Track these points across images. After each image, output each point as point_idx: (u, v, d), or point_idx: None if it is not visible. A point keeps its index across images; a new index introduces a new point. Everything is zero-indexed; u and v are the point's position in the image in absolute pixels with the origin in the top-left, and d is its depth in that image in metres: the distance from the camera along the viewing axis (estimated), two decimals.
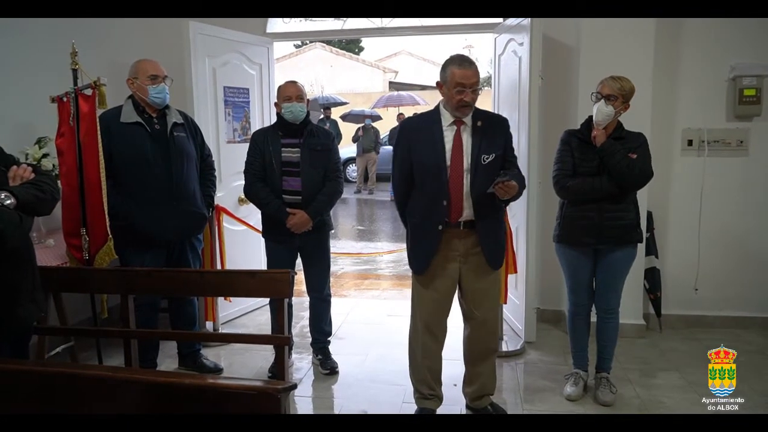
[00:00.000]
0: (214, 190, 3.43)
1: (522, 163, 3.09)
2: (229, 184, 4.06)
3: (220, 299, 3.94)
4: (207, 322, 3.86)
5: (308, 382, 3.34)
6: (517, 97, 3.76)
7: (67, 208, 2.93)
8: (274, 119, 3.39)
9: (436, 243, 2.62)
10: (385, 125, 13.49)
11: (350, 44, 24.27)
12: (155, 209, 3.02)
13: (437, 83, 2.63)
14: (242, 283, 2.54)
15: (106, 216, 2.87)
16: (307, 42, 20.05)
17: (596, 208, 2.85)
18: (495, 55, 4.27)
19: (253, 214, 3.76)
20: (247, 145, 3.32)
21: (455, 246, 2.64)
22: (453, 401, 2.95)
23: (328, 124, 11.42)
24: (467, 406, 2.92)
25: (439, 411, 2.85)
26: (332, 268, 3.80)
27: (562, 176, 2.90)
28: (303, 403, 3.13)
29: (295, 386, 1.43)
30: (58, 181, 2.98)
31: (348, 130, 12.74)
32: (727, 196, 3.92)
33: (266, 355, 3.48)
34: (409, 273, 2.84)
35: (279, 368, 2.47)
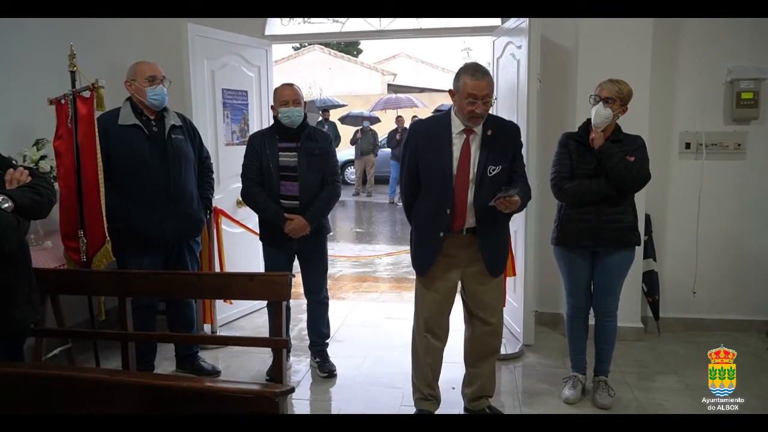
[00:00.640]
0: (212, 193, 3.42)
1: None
2: (228, 186, 4.06)
3: (221, 301, 3.93)
4: (205, 325, 3.85)
5: (306, 385, 3.34)
6: (515, 100, 3.76)
7: (65, 210, 2.92)
8: (272, 122, 3.38)
9: (437, 248, 2.63)
10: (384, 128, 13.48)
11: (349, 47, 24.29)
12: (153, 211, 3.01)
13: (449, 91, 2.60)
14: (240, 286, 2.54)
15: (104, 218, 2.87)
16: (306, 44, 20.07)
17: (594, 210, 2.85)
18: (493, 58, 4.27)
19: (252, 217, 3.75)
20: (245, 147, 3.31)
21: (457, 251, 2.65)
22: (451, 404, 2.95)
23: (326, 127, 11.42)
24: (465, 408, 2.92)
25: (437, 413, 2.85)
26: (330, 271, 3.80)
27: (559, 179, 2.90)
28: (301, 406, 3.12)
29: (292, 389, 1.42)
30: (56, 184, 2.97)
31: (347, 132, 12.73)
32: (725, 199, 3.92)
33: (264, 357, 3.47)
34: (408, 276, 2.84)
35: (277, 371, 2.46)
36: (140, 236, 3.02)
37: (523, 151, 3.53)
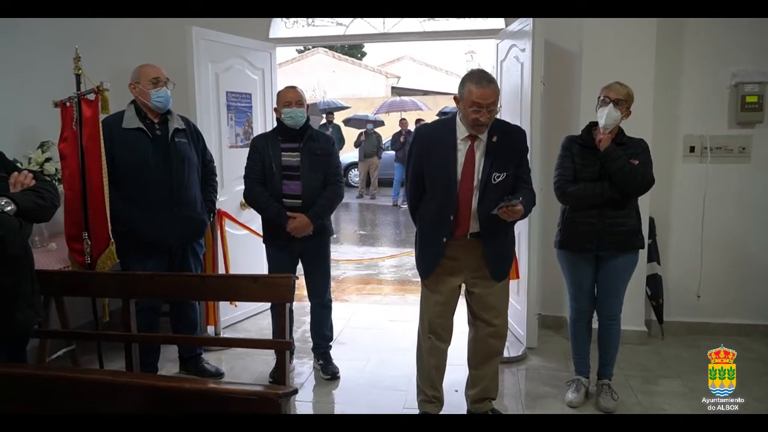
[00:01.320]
0: (216, 196, 3.43)
1: None
2: (232, 188, 4.07)
3: (224, 303, 3.94)
4: (208, 327, 3.86)
5: (309, 387, 3.34)
6: (519, 103, 3.76)
7: (70, 212, 2.94)
8: (275, 125, 3.40)
9: (440, 253, 2.63)
10: (388, 130, 13.49)
11: (353, 49, 24.33)
12: (156, 215, 3.02)
13: (454, 97, 2.59)
14: (244, 288, 2.54)
15: (108, 220, 2.88)
16: (310, 47, 20.11)
17: (597, 214, 2.85)
18: (497, 61, 4.28)
19: (255, 219, 3.76)
20: (248, 150, 3.33)
21: (461, 255, 2.65)
22: (454, 407, 2.95)
23: (330, 129, 11.43)
24: (468, 411, 2.91)
25: (441, 415, 2.85)
26: (334, 273, 3.80)
27: (563, 182, 2.90)
28: (304, 408, 3.13)
29: (296, 391, 1.43)
30: (60, 186, 2.99)
31: (351, 134, 12.74)
32: (730, 203, 3.91)
33: (267, 359, 3.48)
34: (411, 278, 2.85)
35: (280, 373, 2.46)
36: (144, 239, 3.03)
37: (527, 154, 3.57)
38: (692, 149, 3.92)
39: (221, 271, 3.76)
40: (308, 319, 3.55)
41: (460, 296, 2.83)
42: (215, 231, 3.72)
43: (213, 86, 3.98)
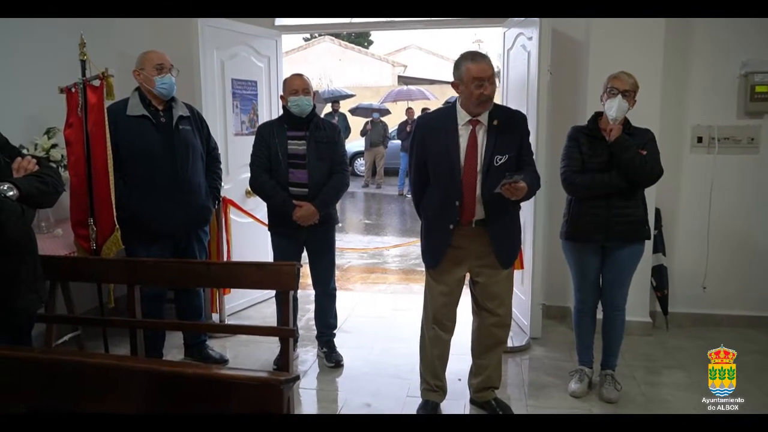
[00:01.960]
0: (220, 183, 3.44)
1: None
2: (237, 176, 4.07)
3: (230, 291, 3.96)
4: (213, 314, 3.88)
5: (313, 375, 3.36)
6: (525, 92, 3.74)
7: (75, 198, 2.95)
8: (281, 112, 3.39)
9: (447, 241, 2.62)
10: (394, 119, 13.46)
11: (359, 38, 24.22)
12: (160, 202, 3.03)
13: (452, 83, 2.59)
14: (248, 275, 2.55)
15: (114, 206, 2.89)
16: (316, 35, 20.03)
17: (605, 204, 2.83)
18: (504, 49, 4.24)
19: (260, 207, 3.77)
20: (254, 137, 3.32)
21: (467, 243, 2.64)
22: (457, 395, 2.96)
23: (336, 118, 11.40)
24: (471, 400, 2.92)
25: (443, 405, 2.86)
26: (339, 262, 3.80)
27: (570, 172, 2.88)
28: (307, 395, 3.15)
29: (298, 378, 1.43)
30: (66, 172, 3.00)
31: (357, 123, 12.71)
32: (737, 194, 3.88)
33: (272, 347, 3.49)
34: (416, 268, 2.85)
35: (284, 360, 2.48)
36: (148, 226, 3.04)
37: (533, 143, 3.53)
38: (700, 140, 3.88)
39: (225, 258, 3.77)
40: (312, 307, 3.57)
41: (464, 286, 2.83)
42: (220, 219, 3.73)
43: (218, 74, 3.97)
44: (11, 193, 1.85)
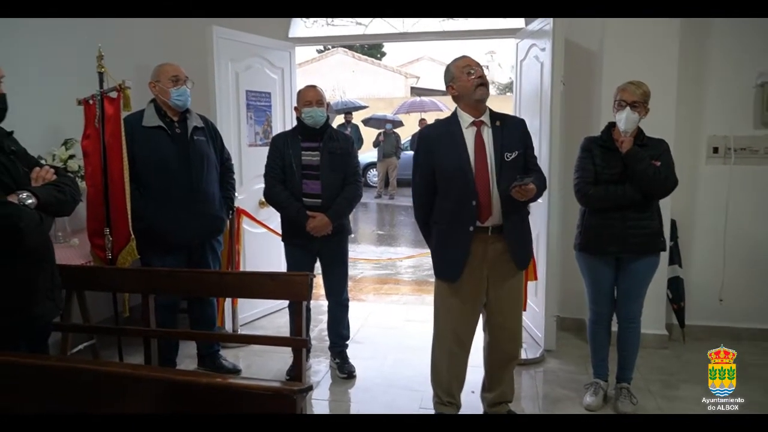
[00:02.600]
0: (234, 193, 3.46)
1: (544, 169, 3.07)
2: (251, 187, 4.10)
3: (243, 301, 3.97)
4: (225, 326, 3.88)
5: (325, 386, 3.35)
6: (539, 103, 3.73)
7: (92, 208, 2.98)
8: (295, 123, 3.42)
9: (467, 246, 2.58)
10: (407, 131, 13.49)
11: (372, 50, 24.36)
12: (175, 212, 3.05)
13: (447, 87, 2.66)
14: (262, 285, 2.55)
15: (129, 216, 2.91)
16: (329, 47, 20.19)
17: (620, 216, 2.81)
18: (517, 60, 4.25)
19: (274, 217, 3.79)
20: (268, 148, 3.35)
21: (485, 251, 2.61)
22: (471, 408, 2.93)
23: (349, 129, 11.45)
24: (484, 413, 2.89)
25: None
26: (351, 273, 3.81)
27: (583, 184, 2.86)
28: (320, 406, 3.13)
29: (311, 388, 1.43)
30: (83, 182, 3.04)
31: (370, 134, 12.76)
32: (754, 205, 3.83)
33: (284, 357, 3.49)
34: (429, 279, 2.83)
35: (297, 370, 2.47)
36: (163, 236, 3.06)
37: (546, 153, 3.55)
38: (716, 150, 3.84)
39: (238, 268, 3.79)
40: (325, 318, 3.56)
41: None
42: (233, 229, 3.75)
43: (233, 85, 4.01)
44: (30, 201, 1.89)
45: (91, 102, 2.95)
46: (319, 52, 21.97)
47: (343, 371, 3.42)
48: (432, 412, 2.85)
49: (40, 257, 2.02)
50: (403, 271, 6.35)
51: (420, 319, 4.24)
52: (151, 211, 3.04)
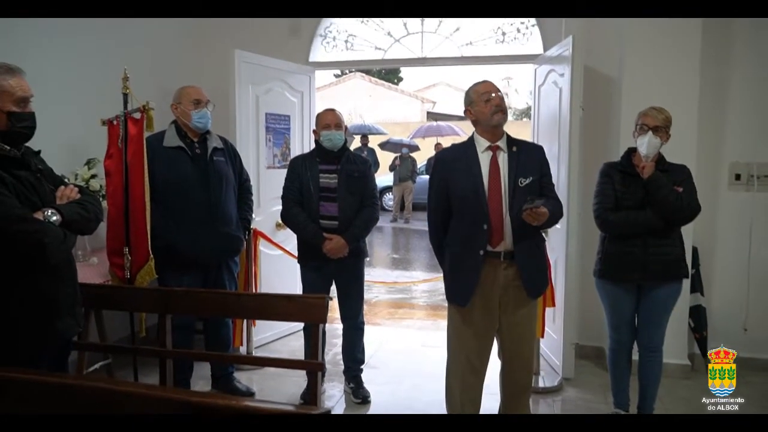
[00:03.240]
0: (251, 214, 3.48)
1: (562, 195, 3.05)
2: (268, 209, 4.11)
3: (258, 324, 3.96)
4: (240, 347, 3.86)
5: (340, 410, 3.30)
6: (557, 128, 3.72)
7: (112, 227, 3.01)
8: (313, 146, 3.44)
9: (477, 271, 2.55)
10: (423, 155, 13.54)
11: (389, 74, 24.61)
12: (193, 231, 3.07)
13: (465, 111, 2.66)
14: (278, 307, 2.55)
15: (149, 236, 2.93)
16: (348, 71, 20.43)
17: (641, 242, 2.76)
18: (535, 86, 4.26)
19: (290, 239, 3.79)
20: (286, 170, 3.37)
21: (496, 277, 2.58)
22: None
23: (365, 152, 11.51)
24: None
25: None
26: (366, 297, 3.78)
27: (603, 210, 2.83)
28: None
29: (329, 413, 1.41)
30: (104, 201, 3.07)
31: (386, 158, 12.81)
32: None
33: (298, 381, 3.46)
34: (444, 303, 2.79)
35: (312, 394, 2.45)
36: (180, 255, 3.07)
37: (564, 179, 3.53)
38: (738, 177, 3.79)
39: (254, 290, 3.79)
40: (340, 341, 3.54)
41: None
42: (249, 250, 3.76)
43: (253, 108, 4.07)
44: (54, 219, 1.93)
45: (114, 122, 3.00)
46: (337, 76, 22.24)
47: (358, 396, 3.37)
48: None
49: (63, 274, 2.04)
50: (419, 295, 6.31)
51: (436, 345, 4.19)
52: (169, 229, 3.06)
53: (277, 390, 3.49)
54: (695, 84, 3.55)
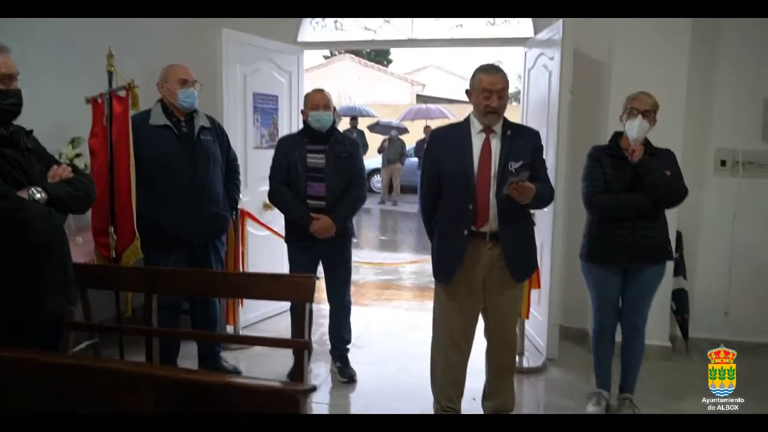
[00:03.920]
0: (239, 194, 3.46)
1: (550, 178, 3.06)
2: (255, 189, 4.10)
3: (245, 303, 3.96)
4: (228, 326, 3.87)
5: (326, 390, 3.33)
6: (546, 112, 3.73)
7: (97, 206, 2.97)
8: (301, 126, 3.43)
9: (462, 250, 2.59)
10: (412, 138, 13.50)
11: (379, 56, 24.42)
12: (180, 210, 3.05)
13: (466, 91, 2.66)
14: (265, 286, 2.55)
15: (134, 215, 2.92)
16: (337, 52, 20.25)
17: (630, 226, 2.79)
18: (525, 69, 4.25)
19: (277, 220, 3.78)
20: (274, 150, 3.35)
21: (480, 256, 2.60)
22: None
23: (355, 134, 11.46)
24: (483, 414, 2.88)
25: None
26: (354, 277, 3.79)
27: (593, 193, 2.85)
28: (319, 410, 3.12)
29: (314, 389, 1.42)
30: None
31: (375, 140, 12.77)
32: (761, 219, 3.81)
33: (285, 360, 3.47)
34: (431, 285, 2.81)
35: (298, 373, 2.46)
36: (167, 234, 3.06)
37: (553, 162, 3.54)
38: (723, 163, 3.83)
39: (241, 270, 3.78)
40: (326, 322, 3.56)
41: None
42: (237, 230, 3.75)
43: (240, 87, 4.03)
44: (39, 196, 1.91)
45: (99, 100, 2.97)
46: (326, 58, 22.02)
47: (344, 375, 3.40)
48: None
49: (51, 251, 2.03)
50: (406, 276, 6.33)
51: (422, 326, 4.21)
52: (155, 208, 3.04)
53: (264, 369, 3.51)
54: (684, 71, 3.56)
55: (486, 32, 4.37)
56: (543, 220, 3.66)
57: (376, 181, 13.19)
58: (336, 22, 4.54)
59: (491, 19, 4.32)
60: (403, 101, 19.83)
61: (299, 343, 2.44)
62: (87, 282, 2.70)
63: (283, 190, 3.23)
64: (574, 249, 3.11)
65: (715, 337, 3.86)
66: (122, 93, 2.92)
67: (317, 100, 3.24)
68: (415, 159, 12.12)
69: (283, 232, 3.45)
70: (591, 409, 2.99)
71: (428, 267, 6.10)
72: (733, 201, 3.81)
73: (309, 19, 4.53)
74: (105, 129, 2.93)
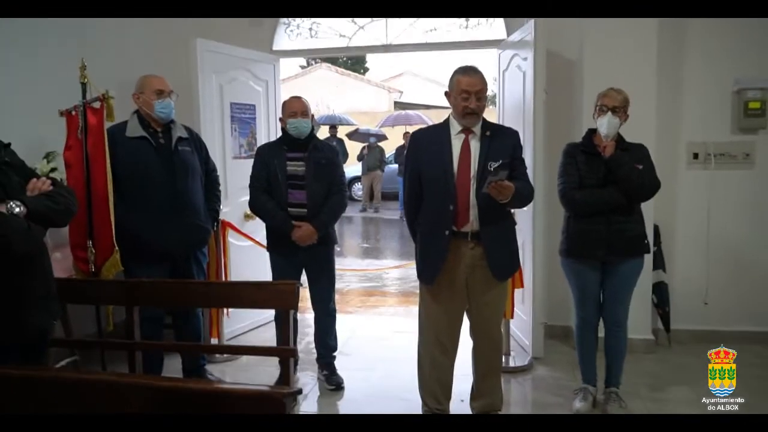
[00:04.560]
0: (219, 204, 3.44)
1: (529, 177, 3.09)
2: (236, 199, 4.07)
3: (228, 314, 3.92)
4: (212, 339, 3.83)
5: (313, 398, 3.31)
6: (521, 112, 3.77)
7: (74, 220, 2.90)
8: (279, 135, 3.42)
9: (444, 250, 2.61)
10: (391, 144, 13.53)
11: (355, 65, 24.50)
12: (159, 223, 3.01)
13: (445, 93, 2.68)
14: (248, 295, 2.54)
15: (113, 228, 2.88)
16: (313, 62, 20.26)
17: (605, 220, 2.83)
18: (499, 71, 4.30)
19: (259, 230, 3.76)
20: (253, 159, 3.34)
21: (462, 256, 2.62)
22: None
23: (335, 143, 11.45)
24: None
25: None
26: (338, 285, 3.78)
27: (568, 189, 2.89)
28: None
29: (300, 391, 1.41)
30: None
31: (354, 148, 12.78)
32: (735, 209, 3.90)
33: (271, 371, 3.44)
34: (415, 290, 2.82)
35: (285, 381, 2.45)
36: (147, 247, 3.02)
37: (530, 161, 3.57)
38: (696, 156, 3.91)
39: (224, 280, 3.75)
40: (311, 331, 3.53)
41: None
42: (218, 241, 3.72)
43: (217, 97, 4.01)
44: (17, 210, 1.88)
45: (73, 113, 2.93)
46: (303, 67, 22.03)
47: (331, 383, 3.38)
48: None
49: (32, 266, 2.00)
50: (390, 282, 6.33)
51: (408, 330, 4.20)
52: (134, 221, 3.00)
53: (250, 380, 3.45)
54: (653, 66, 3.63)
55: (460, 35, 4.42)
56: (523, 219, 3.69)
57: (357, 189, 13.19)
58: (311, 29, 4.55)
59: (465, 23, 4.37)
60: (381, 108, 19.89)
61: (285, 351, 2.43)
62: (66, 296, 2.65)
63: (264, 198, 3.22)
64: (554, 247, 3.14)
65: (696, 328, 3.96)
66: (96, 104, 2.89)
67: (295, 107, 3.24)
68: (395, 166, 12.15)
69: (264, 242, 3.43)
70: (578, 404, 3.01)
71: (412, 272, 6.11)
72: (706, 193, 3.89)
73: (284, 27, 4.53)
74: (80, 141, 2.89)
